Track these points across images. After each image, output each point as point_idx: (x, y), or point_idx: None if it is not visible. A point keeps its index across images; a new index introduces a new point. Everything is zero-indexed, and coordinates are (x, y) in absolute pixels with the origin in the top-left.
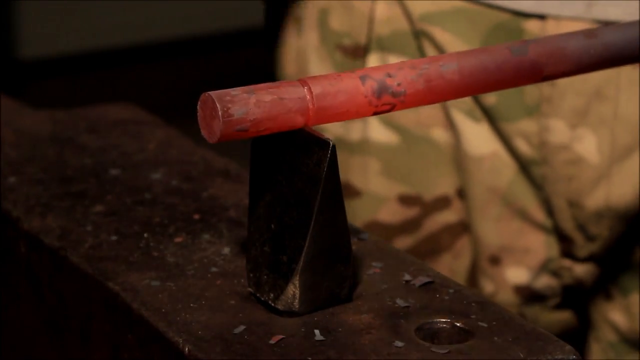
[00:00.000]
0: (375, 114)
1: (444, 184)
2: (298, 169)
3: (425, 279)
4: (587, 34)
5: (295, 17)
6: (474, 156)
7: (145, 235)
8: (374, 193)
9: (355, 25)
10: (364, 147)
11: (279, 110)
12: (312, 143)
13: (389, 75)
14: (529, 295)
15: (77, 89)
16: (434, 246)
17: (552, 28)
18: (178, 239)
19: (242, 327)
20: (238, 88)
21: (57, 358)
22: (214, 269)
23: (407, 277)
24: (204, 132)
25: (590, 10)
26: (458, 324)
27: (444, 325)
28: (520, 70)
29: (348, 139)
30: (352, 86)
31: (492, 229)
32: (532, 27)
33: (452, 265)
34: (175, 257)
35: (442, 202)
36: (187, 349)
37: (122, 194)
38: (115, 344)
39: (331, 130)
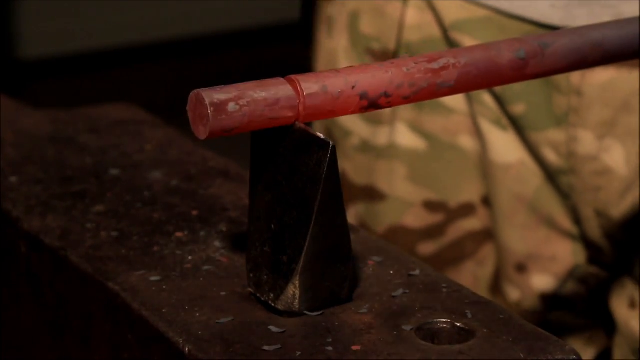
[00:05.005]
0: (364, 109)
1: (469, 191)
2: (298, 169)
3: (426, 278)
4: (574, 31)
5: (327, 16)
6: (501, 164)
7: (145, 235)
8: (400, 198)
9: (385, 30)
10: (390, 151)
11: (266, 103)
12: (312, 143)
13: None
14: (555, 302)
15: (77, 89)
16: (457, 253)
17: None
18: (178, 239)
19: (230, 318)
20: (225, 85)
21: (57, 358)
22: (214, 269)
23: (407, 276)
24: (194, 130)
25: None
26: (458, 324)
27: (444, 325)
28: (501, 67)
29: (375, 143)
30: (342, 81)
31: (518, 237)
32: None
33: (476, 273)
34: (175, 257)
35: (467, 209)
36: (187, 349)
37: (122, 193)
38: (115, 344)
39: (358, 134)
